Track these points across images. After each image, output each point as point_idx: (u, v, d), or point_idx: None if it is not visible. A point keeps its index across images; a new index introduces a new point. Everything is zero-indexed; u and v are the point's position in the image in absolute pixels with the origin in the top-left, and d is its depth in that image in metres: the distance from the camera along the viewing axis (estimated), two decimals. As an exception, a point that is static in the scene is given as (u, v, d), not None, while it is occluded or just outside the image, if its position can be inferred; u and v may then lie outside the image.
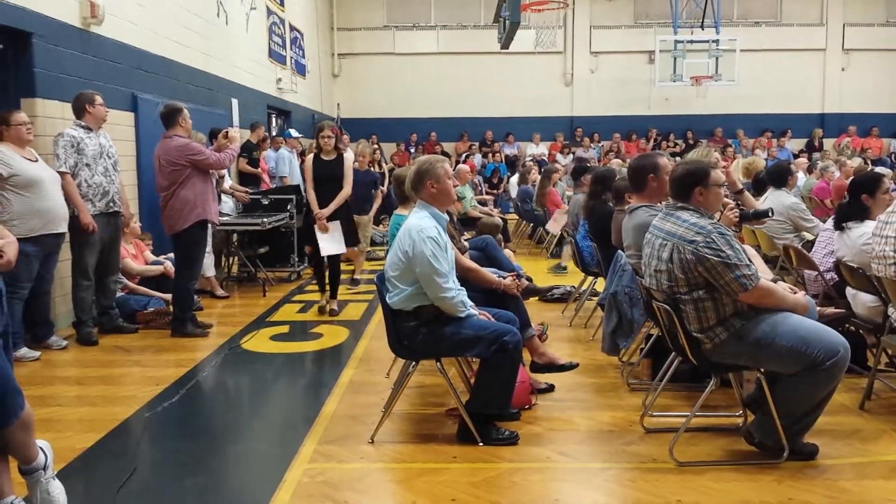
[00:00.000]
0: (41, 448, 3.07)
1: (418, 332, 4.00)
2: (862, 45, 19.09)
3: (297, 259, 9.25)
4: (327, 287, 7.37)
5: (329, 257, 7.12)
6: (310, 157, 7.23)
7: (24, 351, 5.67)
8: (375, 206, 9.86)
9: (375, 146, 15.43)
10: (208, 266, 7.78)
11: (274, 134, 13.87)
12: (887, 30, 19.02)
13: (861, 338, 4.96)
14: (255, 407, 4.97)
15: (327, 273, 7.35)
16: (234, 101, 11.35)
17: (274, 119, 14.73)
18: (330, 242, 7.01)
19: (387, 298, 4.07)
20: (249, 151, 10.98)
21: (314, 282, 8.01)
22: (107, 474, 3.70)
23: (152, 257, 7.46)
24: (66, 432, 4.23)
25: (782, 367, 3.57)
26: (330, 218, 6.99)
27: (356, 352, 5.96)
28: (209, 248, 7.47)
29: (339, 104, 18.91)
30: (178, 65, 9.20)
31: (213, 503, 3.46)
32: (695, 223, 3.62)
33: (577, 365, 4.84)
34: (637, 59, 19.11)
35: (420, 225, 3.96)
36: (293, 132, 12.86)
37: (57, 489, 3.08)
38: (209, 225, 6.73)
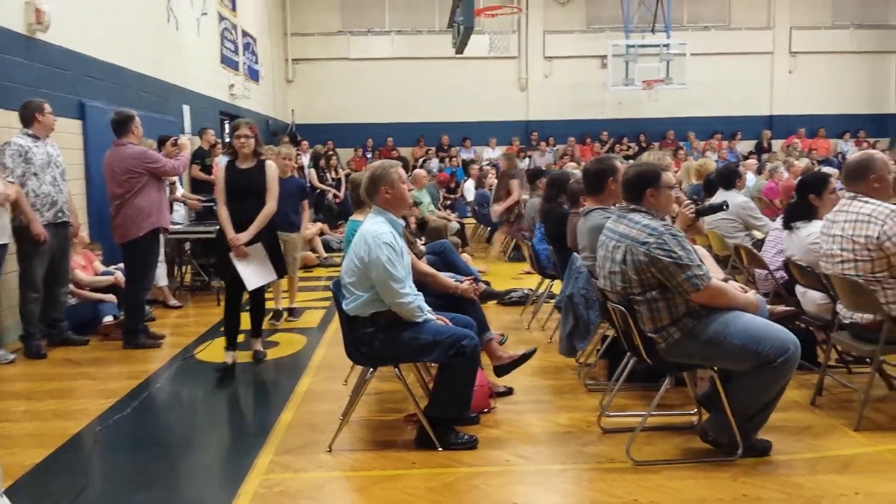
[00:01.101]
0: (-13, 466, 2.99)
1: (375, 338, 3.98)
2: (808, 48, 19.51)
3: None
4: (252, 329, 5.93)
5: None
6: (222, 165, 5.74)
7: (-31, 366, 5.53)
8: (305, 220, 7.60)
9: (331, 152, 15.35)
10: (161, 276, 7.66)
11: (227, 140, 13.71)
12: (833, 32, 19.47)
13: (811, 335, 5.06)
14: (210, 418, 4.90)
15: (249, 308, 5.90)
16: (186, 108, 11.20)
17: (227, 125, 14.55)
18: (254, 272, 5.57)
19: (343, 305, 4.05)
20: (202, 158, 10.83)
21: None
22: (57, 490, 3.61)
23: (102, 268, 7.30)
24: (14, 448, 4.14)
25: (735, 365, 3.62)
26: (249, 242, 5.54)
27: (313, 360, 5.91)
28: (161, 257, 7.36)
29: (293, 110, 18.78)
30: (128, 71, 9.05)
31: (167, 517, 3.40)
32: (647, 225, 3.66)
33: (535, 350, 4.90)
34: (590, 64, 19.28)
35: (375, 230, 3.95)
36: None
37: (4, 508, 3.00)
38: (161, 234, 6.64)
